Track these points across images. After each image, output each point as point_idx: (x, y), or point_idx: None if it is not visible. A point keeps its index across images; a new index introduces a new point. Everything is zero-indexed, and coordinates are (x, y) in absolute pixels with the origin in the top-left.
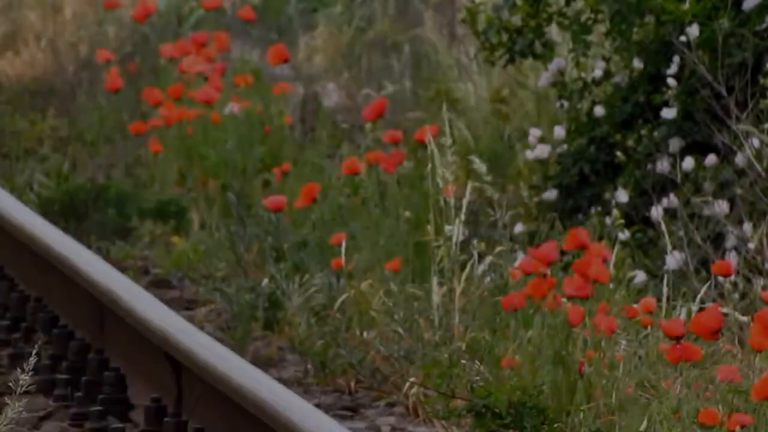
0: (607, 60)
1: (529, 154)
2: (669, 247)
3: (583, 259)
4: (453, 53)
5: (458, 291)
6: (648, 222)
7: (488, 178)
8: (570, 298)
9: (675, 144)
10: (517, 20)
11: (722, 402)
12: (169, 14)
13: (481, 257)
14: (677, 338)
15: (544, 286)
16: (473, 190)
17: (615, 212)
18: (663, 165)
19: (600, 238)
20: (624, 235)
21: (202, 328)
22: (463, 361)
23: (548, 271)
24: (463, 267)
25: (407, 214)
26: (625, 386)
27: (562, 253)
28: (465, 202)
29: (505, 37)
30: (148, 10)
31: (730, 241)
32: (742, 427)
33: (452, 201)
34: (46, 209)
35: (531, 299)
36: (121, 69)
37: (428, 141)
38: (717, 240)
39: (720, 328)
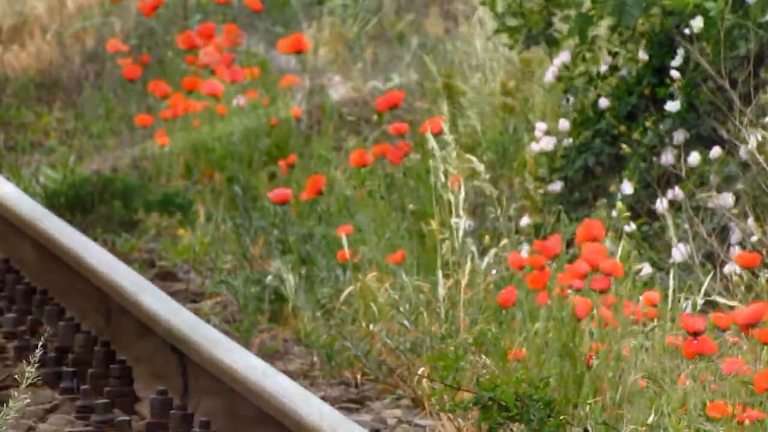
0: (613, 54)
1: (535, 147)
2: (674, 240)
3: (590, 253)
4: (460, 45)
5: (464, 283)
6: (653, 214)
7: (487, 176)
8: (578, 290)
9: (679, 136)
10: (533, 5)
11: (729, 395)
12: (175, 6)
13: (486, 250)
14: (695, 334)
15: (544, 279)
16: (476, 185)
17: (620, 205)
18: (668, 157)
19: (606, 231)
20: (629, 227)
21: (208, 320)
22: (470, 354)
23: (545, 263)
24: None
25: (411, 207)
26: (632, 379)
27: (568, 245)
28: (466, 195)
29: (521, 21)
30: (155, 2)
31: (735, 235)
32: (753, 422)
33: (455, 194)
34: (52, 202)
35: (529, 293)
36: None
37: (428, 136)
38: (722, 233)
39: (760, 322)
